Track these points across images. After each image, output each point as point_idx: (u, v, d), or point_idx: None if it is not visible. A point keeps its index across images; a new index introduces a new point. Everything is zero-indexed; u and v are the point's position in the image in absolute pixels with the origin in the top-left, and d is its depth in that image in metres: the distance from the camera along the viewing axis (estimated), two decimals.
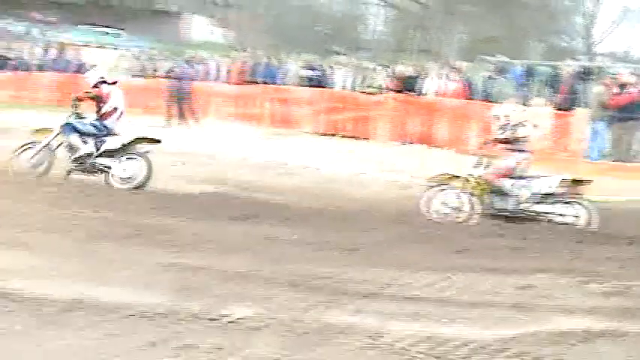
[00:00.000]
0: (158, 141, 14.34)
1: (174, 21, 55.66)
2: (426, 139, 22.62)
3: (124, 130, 14.42)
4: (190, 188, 14.00)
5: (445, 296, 7.54)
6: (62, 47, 37.67)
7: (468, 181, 13.20)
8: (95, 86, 14.56)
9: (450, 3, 44.75)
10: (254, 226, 10.77)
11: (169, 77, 28.03)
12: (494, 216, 13.00)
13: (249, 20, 51.63)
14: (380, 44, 49.78)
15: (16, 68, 35.41)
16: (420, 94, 24.29)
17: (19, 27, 48.78)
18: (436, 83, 24.71)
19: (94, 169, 14.16)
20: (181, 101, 26.75)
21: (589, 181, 13.14)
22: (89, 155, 14.13)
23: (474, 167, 13.34)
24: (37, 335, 5.64)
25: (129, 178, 13.95)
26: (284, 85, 28.10)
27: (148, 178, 13.95)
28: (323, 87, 26.72)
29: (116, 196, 12.57)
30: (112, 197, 12.40)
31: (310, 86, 26.86)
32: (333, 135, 24.08)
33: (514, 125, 13.26)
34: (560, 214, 12.83)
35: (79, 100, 14.57)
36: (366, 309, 6.95)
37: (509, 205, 13.04)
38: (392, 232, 10.98)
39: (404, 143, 22.79)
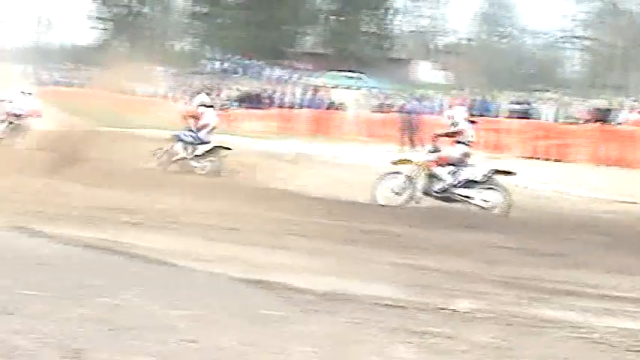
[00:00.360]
0: (229, 148, 16.53)
1: (404, 66, 55.81)
2: (619, 162, 21.91)
3: (212, 139, 16.52)
4: (422, 202, 13.90)
5: (637, 296, 7.21)
6: (316, 89, 38.53)
7: (417, 165, 13.61)
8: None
9: (636, 45, 43.12)
10: (471, 233, 10.61)
11: (402, 112, 28.16)
12: (428, 195, 13.43)
13: (465, 64, 51.29)
14: (577, 81, 48.41)
15: (280, 106, 36.54)
16: (612, 123, 23.56)
17: (283, 73, 50.14)
18: (626, 114, 23.94)
19: (188, 167, 16.26)
20: (412, 131, 26.78)
21: (513, 173, 13.62)
22: (184, 158, 16.38)
23: (427, 154, 13.74)
24: (299, 320, 5.71)
25: (206, 173, 16.04)
26: (496, 117, 27.82)
27: (219, 171, 16.11)
28: (529, 118, 26.31)
29: (351, 208, 12.62)
30: (348, 209, 12.46)
31: (518, 118, 26.50)
32: (538, 158, 23.54)
33: (455, 123, 13.80)
34: (473, 197, 13.20)
35: (184, 117, 17.03)
36: (568, 305, 6.72)
37: (438, 187, 13.36)
38: (587, 240, 10.61)
39: (599, 165, 22.09)
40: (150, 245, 8.03)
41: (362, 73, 49.84)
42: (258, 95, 39.29)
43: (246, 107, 37.66)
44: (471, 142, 13.82)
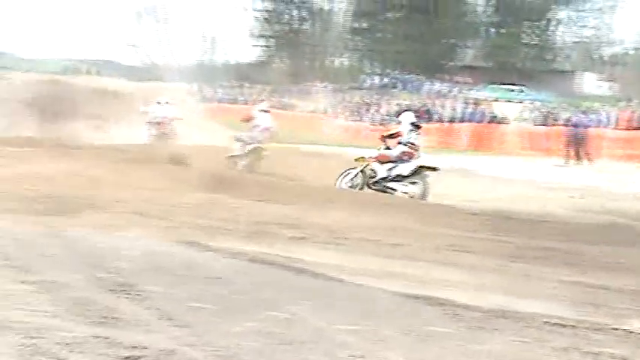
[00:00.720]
0: (262, 148, 19.00)
1: (568, 78, 54.70)
2: None
3: (262, 139, 19.29)
4: (589, 218, 13.56)
5: None
6: (477, 103, 38.26)
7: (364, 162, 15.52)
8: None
9: None
10: None
11: (567, 125, 27.64)
12: (369, 187, 15.28)
13: (632, 74, 49.82)
14: None
15: (440, 120, 36.46)
16: None
17: (443, 87, 50.03)
18: None
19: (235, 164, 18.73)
20: (578, 145, 26.22)
21: (437, 169, 15.23)
22: (236, 156, 18.96)
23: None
24: (466, 338, 5.64)
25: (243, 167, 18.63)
26: None
27: (253, 166, 18.64)
28: None
29: (516, 224, 12.36)
30: (513, 225, 12.19)
31: None
32: None
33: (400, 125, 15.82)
34: (397, 189, 15.00)
35: (243, 120, 19.90)
36: None
37: (372, 180, 15.27)
38: None
39: None
40: (316, 260, 8.13)
41: (523, 85, 49.16)
42: (417, 110, 39.32)
43: None
44: (412, 143, 15.43)
